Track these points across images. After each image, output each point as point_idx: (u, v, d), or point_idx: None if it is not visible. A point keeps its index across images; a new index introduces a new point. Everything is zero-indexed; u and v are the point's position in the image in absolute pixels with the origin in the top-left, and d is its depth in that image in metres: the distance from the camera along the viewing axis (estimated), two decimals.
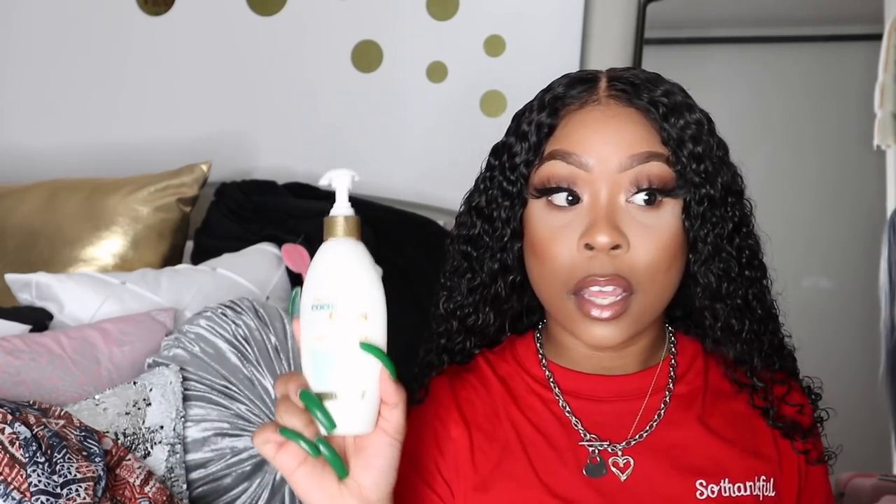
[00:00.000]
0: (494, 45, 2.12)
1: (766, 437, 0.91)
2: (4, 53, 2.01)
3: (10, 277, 1.55)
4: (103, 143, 2.04)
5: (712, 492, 0.86)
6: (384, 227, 1.87)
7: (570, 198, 0.83)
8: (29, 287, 1.53)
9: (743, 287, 0.88)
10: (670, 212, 0.84)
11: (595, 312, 0.82)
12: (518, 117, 0.90)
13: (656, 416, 0.89)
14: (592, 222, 0.82)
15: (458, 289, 0.92)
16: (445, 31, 2.12)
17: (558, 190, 0.84)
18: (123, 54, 2.04)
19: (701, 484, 0.86)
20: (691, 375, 0.93)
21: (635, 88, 0.85)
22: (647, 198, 0.83)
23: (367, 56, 2.12)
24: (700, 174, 0.84)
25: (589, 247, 0.82)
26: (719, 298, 0.87)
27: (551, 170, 0.84)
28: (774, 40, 2.26)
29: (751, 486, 0.88)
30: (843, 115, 2.18)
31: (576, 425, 0.89)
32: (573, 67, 2.11)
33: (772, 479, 0.89)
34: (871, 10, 2.05)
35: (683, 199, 0.84)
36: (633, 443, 0.88)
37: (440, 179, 2.14)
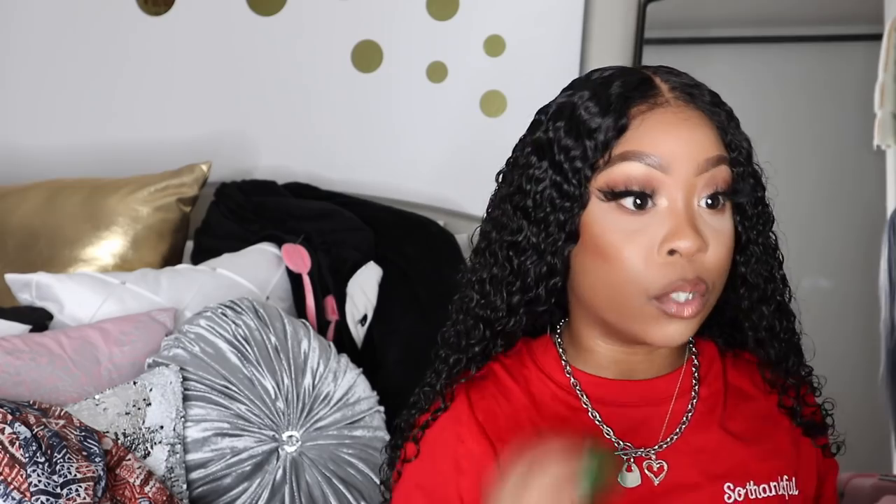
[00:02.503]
0: (494, 45, 2.12)
1: (784, 435, 0.92)
2: (5, 53, 2.01)
3: (10, 277, 1.55)
4: (103, 144, 2.04)
5: (739, 495, 0.87)
6: (384, 227, 1.87)
7: (638, 201, 0.81)
8: (29, 287, 1.53)
9: (780, 287, 0.90)
10: (729, 215, 0.84)
11: (676, 310, 0.81)
12: (567, 116, 0.84)
13: (684, 419, 0.89)
14: (677, 227, 0.80)
15: (497, 294, 0.88)
16: (445, 31, 2.12)
17: (632, 192, 0.80)
18: (123, 54, 2.04)
19: (728, 487, 0.87)
20: (712, 377, 0.93)
21: (697, 90, 0.84)
22: (713, 202, 0.82)
23: (367, 56, 2.12)
24: (753, 176, 0.85)
25: (672, 252, 0.80)
26: (765, 300, 0.88)
27: (626, 171, 0.80)
28: (774, 40, 2.26)
29: (775, 486, 0.88)
30: (842, 115, 2.18)
31: (607, 434, 0.88)
32: (573, 67, 2.11)
33: (793, 478, 0.90)
34: (871, 10, 2.05)
35: (739, 201, 0.85)
36: (664, 446, 0.88)
37: (440, 179, 2.14)
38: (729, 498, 0.86)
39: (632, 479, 0.86)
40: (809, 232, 2.17)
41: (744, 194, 0.84)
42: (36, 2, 2.00)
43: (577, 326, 0.91)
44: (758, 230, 0.86)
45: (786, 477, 0.89)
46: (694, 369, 0.92)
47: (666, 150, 0.80)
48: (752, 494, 0.87)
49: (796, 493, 0.89)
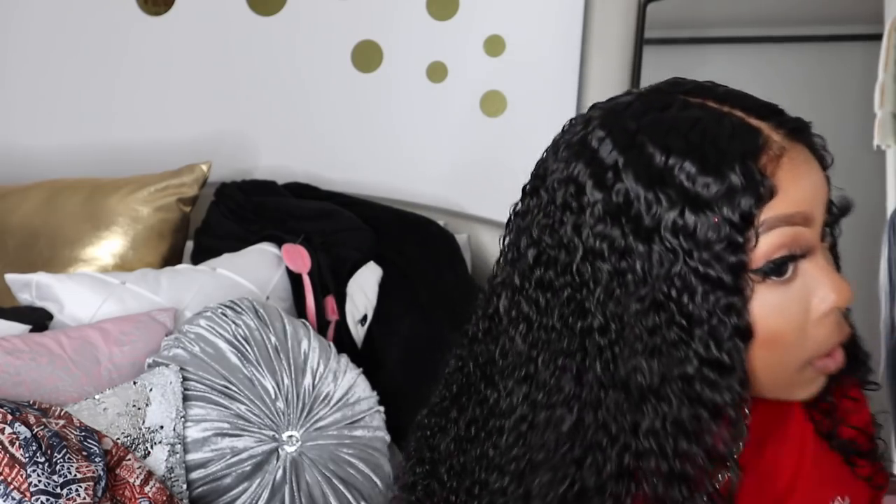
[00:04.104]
0: (494, 45, 2.12)
1: (835, 453, 0.82)
2: (4, 53, 2.01)
3: (10, 277, 1.55)
4: (103, 143, 2.04)
5: None
6: (384, 227, 1.88)
7: (789, 268, 0.67)
8: (29, 287, 1.53)
9: None
10: None
11: (834, 363, 0.70)
12: (665, 184, 0.64)
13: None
14: (831, 282, 0.67)
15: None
16: (445, 31, 2.12)
17: (788, 260, 0.66)
18: (123, 54, 2.04)
19: None
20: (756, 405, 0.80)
21: (784, 115, 0.70)
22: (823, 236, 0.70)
23: (367, 56, 2.12)
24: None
25: (831, 310, 0.68)
26: None
27: (776, 241, 0.65)
28: (774, 40, 2.25)
29: None
30: (842, 115, 2.18)
31: None
32: (573, 67, 2.11)
33: (846, 498, 0.80)
34: (871, 10, 2.05)
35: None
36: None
37: (440, 179, 2.14)
38: None
39: None
40: None
41: (848, 212, 0.74)
42: (37, 3, 2.00)
43: None
44: (834, 247, 0.76)
45: (838, 498, 0.80)
46: None
47: (804, 202, 0.66)
48: None
49: None
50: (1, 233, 1.73)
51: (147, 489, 1.19)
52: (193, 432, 1.35)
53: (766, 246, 0.65)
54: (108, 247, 1.72)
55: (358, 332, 1.73)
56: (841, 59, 2.22)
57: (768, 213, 0.65)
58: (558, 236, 0.68)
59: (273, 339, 1.46)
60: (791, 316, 0.67)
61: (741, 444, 0.74)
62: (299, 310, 1.70)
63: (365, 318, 1.75)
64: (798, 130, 0.68)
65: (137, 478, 1.19)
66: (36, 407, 1.21)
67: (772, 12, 2.25)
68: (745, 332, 0.65)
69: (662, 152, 0.65)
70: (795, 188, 0.66)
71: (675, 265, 0.64)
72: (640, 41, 2.12)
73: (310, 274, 1.72)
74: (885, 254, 1.91)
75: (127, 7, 2.03)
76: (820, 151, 0.70)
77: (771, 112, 0.68)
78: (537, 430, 0.69)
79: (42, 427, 1.11)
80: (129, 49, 2.04)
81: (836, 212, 0.71)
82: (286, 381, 1.43)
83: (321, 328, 1.69)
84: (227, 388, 1.39)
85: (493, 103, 2.14)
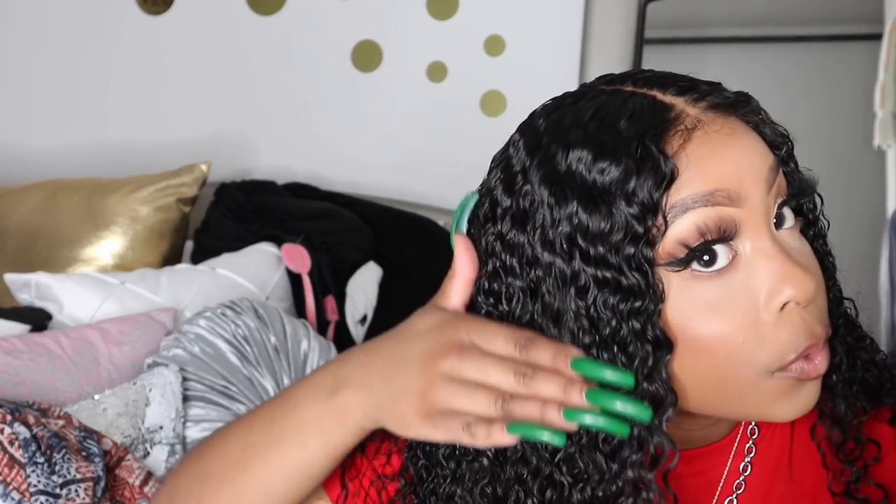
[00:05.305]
0: (494, 45, 2.12)
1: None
2: (3, 52, 2.01)
3: (10, 277, 1.55)
4: (102, 143, 2.04)
5: None
6: (384, 227, 1.88)
7: (707, 258, 0.57)
8: (28, 287, 1.53)
9: (847, 309, 0.69)
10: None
11: (809, 369, 0.59)
12: (570, 187, 0.57)
13: (740, 480, 0.68)
14: (781, 271, 0.57)
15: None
16: (445, 30, 2.12)
17: (710, 242, 0.57)
18: (123, 54, 2.04)
19: None
20: (774, 431, 0.69)
21: (712, 88, 0.62)
22: (780, 220, 0.60)
23: (367, 56, 2.12)
24: (798, 170, 0.63)
25: (784, 305, 0.58)
26: (836, 331, 0.65)
27: (696, 222, 0.56)
28: (774, 40, 2.26)
29: None
30: (843, 115, 2.18)
31: None
32: (573, 67, 2.11)
33: None
34: (871, 10, 2.05)
35: (803, 203, 0.64)
36: None
37: (440, 180, 2.14)
38: None
39: None
40: None
41: (808, 191, 0.63)
42: (36, 2, 2.00)
43: None
44: (822, 237, 0.66)
45: None
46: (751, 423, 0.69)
47: (726, 178, 0.57)
48: None
49: None
50: (1, 233, 1.73)
51: (147, 489, 1.19)
52: (193, 432, 1.35)
53: (682, 231, 0.56)
54: (108, 247, 1.72)
55: (358, 332, 1.73)
56: (841, 59, 2.22)
57: (681, 193, 0.56)
58: (481, 249, 0.62)
59: (273, 339, 1.46)
60: (735, 314, 0.57)
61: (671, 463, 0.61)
62: (299, 310, 1.70)
63: (365, 318, 1.75)
64: (724, 104, 0.60)
65: (137, 478, 1.19)
66: (35, 407, 1.21)
67: (772, 12, 2.25)
68: (660, 340, 0.57)
69: (563, 148, 0.58)
70: (714, 163, 0.57)
71: (572, 268, 0.57)
72: (640, 41, 2.12)
73: (310, 274, 1.72)
74: (885, 254, 1.91)
75: (127, 7, 2.03)
76: (759, 125, 0.61)
77: (692, 86, 0.60)
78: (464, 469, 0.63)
79: (42, 427, 1.11)
80: (129, 48, 2.04)
81: (794, 190, 0.61)
82: (286, 381, 1.43)
83: (321, 328, 1.69)
84: (226, 388, 1.39)
85: (493, 103, 2.14)
